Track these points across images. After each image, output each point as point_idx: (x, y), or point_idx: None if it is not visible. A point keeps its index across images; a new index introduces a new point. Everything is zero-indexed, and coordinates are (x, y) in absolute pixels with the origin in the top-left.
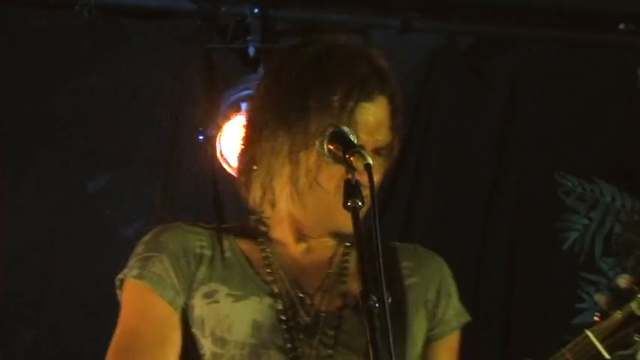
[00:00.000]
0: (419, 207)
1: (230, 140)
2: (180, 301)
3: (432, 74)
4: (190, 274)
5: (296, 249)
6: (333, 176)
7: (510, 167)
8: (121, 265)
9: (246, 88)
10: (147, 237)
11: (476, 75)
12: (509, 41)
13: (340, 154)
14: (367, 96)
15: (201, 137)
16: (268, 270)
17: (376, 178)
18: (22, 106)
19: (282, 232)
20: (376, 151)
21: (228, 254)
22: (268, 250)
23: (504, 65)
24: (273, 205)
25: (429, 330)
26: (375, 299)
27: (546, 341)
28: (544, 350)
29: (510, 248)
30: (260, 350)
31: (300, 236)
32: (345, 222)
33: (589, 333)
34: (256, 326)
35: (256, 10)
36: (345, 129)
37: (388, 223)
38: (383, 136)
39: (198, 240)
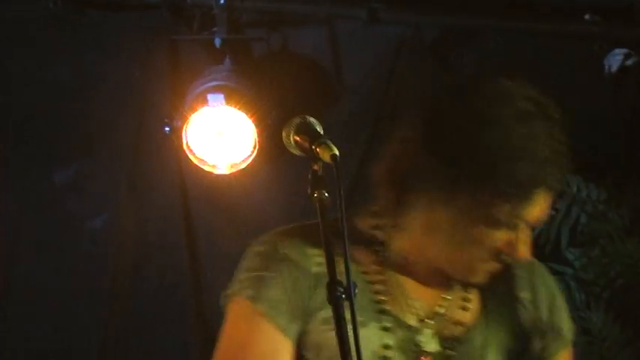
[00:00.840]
0: None
1: (196, 132)
2: (294, 327)
3: (398, 65)
4: (308, 297)
5: (413, 270)
6: (495, 242)
7: None
8: (85, 257)
9: (212, 80)
10: (263, 247)
11: (441, 65)
12: (474, 32)
13: (307, 145)
14: (550, 186)
15: (167, 129)
16: (387, 291)
17: (527, 249)
18: None
19: (404, 252)
20: (534, 227)
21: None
22: (389, 269)
23: (470, 56)
24: (404, 228)
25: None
26: (342, 290)
27: None
28: None
29: None
30: None
31: (423, 266)
32: (480, 278)
33: None
34: (375, 357)
35: (222, 2)
36: (312, 120)
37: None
38: (543, 217)
39: (316, 256)
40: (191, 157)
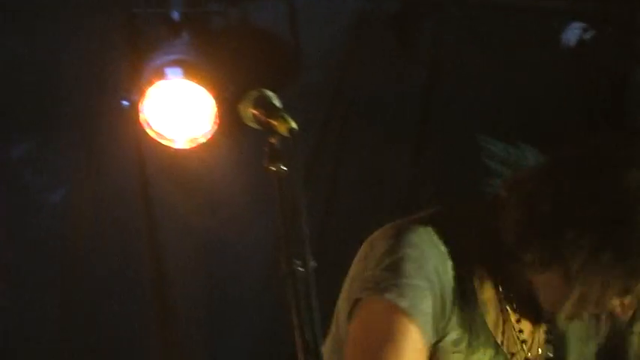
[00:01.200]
0: (344, 168)
1: (154, 106)
2: (433, 340)
3: (358, 39)
4: (448, 316)
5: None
6: (613, 305)
7: (434, 128)
8: (44, 230)
9: (170, 53)
10: (412, 251)
11: (401, 38)
12: (433, 5)
13: (264, 118)
14: None
15: (125, 103)
16: (505, 334)
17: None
18: None
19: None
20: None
21: (473, 308)
22: (507, 305)
23: (429, 29)
24: (530, 284)
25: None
26: (299, 263)
27: None
28: None
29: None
30: None
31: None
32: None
33: None
34: None
35: None
36: (270, 93)
37: (314, 186)
38: None
39: (453, 269)
40: (149, 131)
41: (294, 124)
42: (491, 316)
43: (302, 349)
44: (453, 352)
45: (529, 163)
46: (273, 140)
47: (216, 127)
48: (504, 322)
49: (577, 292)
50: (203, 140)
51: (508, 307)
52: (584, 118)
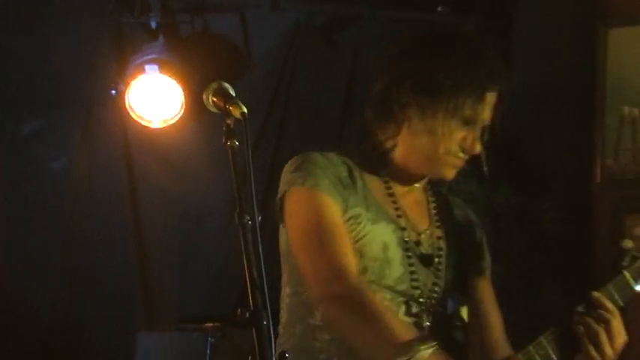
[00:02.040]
0: (283, 142)
1: (136, 94)
2: (342, 206)
3: (295, 44)
4: (345, 197)
5: (403, 189)
6: (449, 141)
7: (353, 121)
8: (48, 190)
9: (149, 54)
10: (300, 161)
11: (328, 45)
12: (354, 19)
13: (222, 104)
14: (493, 89)
15: (113, 92)
16: (394, 205)
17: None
18: None
19: (395, 170)
20: (484, 128)
21: (359, 184)
22: (392, 188)
23: (350, 38)
24: (392, 148)
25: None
26: (249, 217)
27: None
28: None
29: None
30: (385, 264)
31: (405, 176)
32: (444, 171)
33: (625, 272)
34: (385, 246)
35: None
36: (226, 85)
37: (259, 158)
38: (489, 117)
39: (342, 170)
40: (132, 114)
41: (245, 109)
42: (382, 197)
43: (251, 284)
44: (353, 224)
45: None
46: (229, 122)
47: (184, 111)
48: (394, 201)
49: (426, 137)
50: (174, 122)
51: (393, 188)
52: None
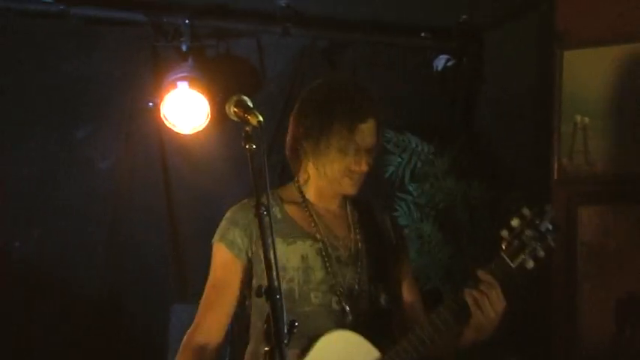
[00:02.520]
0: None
1: (169, 106)
2: (249, 252)
3: (301, 64)
4: (254, 235)
5: (320, 207)
6: (339, 166)
7: None
8: (97, 185)
9: (180, 72)
10: (228, 215)
11: (329, 65)
12: (350, 43)
13: (241, 114)
14: (363, 121)
15: (150, 104)
16: (312, 223)
17: (366, 166)
18: (33, 81)
19: (313, 196)
20: (368, 150)
21: (279, 217)
22: (310, 210)
23: (348, 59)
24: (307, 179)
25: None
26: (264, 209)
27: None
28: None
29: None
30: (308, 270)
31: (322, 198)
32: (345, 188)
33: (502, 254)
34: (303, 257)
35: (187, 21)
36: (245, 97)
37: (272, 159)
38: (372, 141)
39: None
40: (166, 122)
41: (261, 118)
42: (302, 218)
43: (267, 265)
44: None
45: (412, 145)
46: (247, 129)
47: (209, 120)
48: (312, 220)
49: (323, 168)
50: (201, 129)
51: (311, 210)
52: (447, 117)
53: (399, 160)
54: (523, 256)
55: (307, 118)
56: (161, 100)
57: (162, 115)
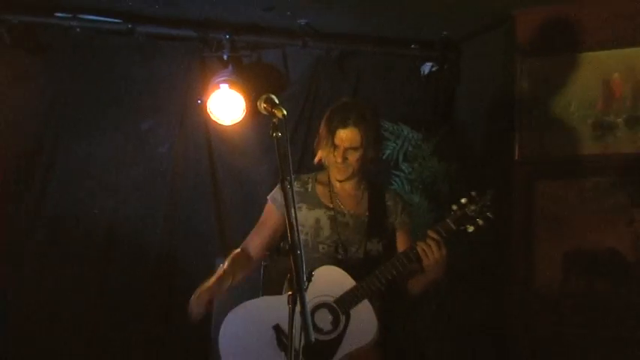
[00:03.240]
0: (309, 138)
1: (214, 103)
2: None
3: (317, 70)
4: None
5: (339, 187)
6: (327, 158)
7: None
8: (157, 165)
9: (222, 76)
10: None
11: (339, 70)
12: (357, 53)
13: (270, 108)
14: (344, 127)
15: (199, 101)
16: (329, 197)
17: (353, 158)
18: (106, 84)
19: (333, 179)
20: (347, 150)
21: (311, 191)
22: (330, 187)
23: (354, 65)
24: (324, 165)
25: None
26: (288, 183)
27: None
28: None
29: None
30: (320, 231)
31: (337, 180)
32: (334, 174)
33: (447, 219)
34: (317, 220)
35: (227, 36)
36: (273, 96)
37: (294, 145)
38: (351, 143)
39: (302, 186)
40: (211, 116)
41: (285, 112)
42: (323, 194)
43: (289, 226)
44: (301, 211)
45: (404, 133)
46: (274, 120)
47: (245, 113)
48: (330, 195)
49: (327, 159)
50: (238, 120)
51: (331, 187)
52: (431, 111)
53: (394, 145)
54: (465, 222)
55: (320, 124)
56: (207, 98)
57: (208, 110)
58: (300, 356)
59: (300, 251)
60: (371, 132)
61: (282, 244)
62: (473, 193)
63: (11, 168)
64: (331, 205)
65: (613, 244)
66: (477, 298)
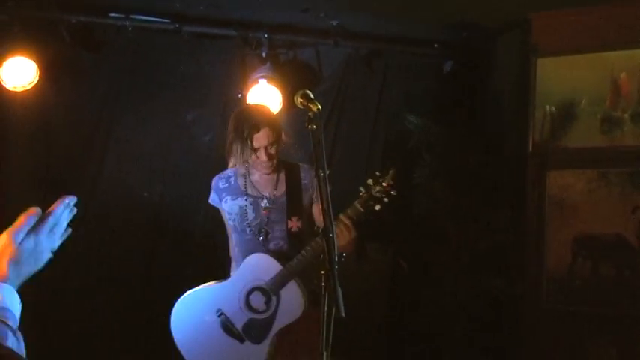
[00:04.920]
0: (339, 129)
1: (253, 96)
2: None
3: (348, 68)
4: (221, 194)
5: (256, 176)
6: (252, 160)
7: (381, 118)
8: (202, 153)
9: (261, 72)
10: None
11: (367, 69)
12: (384, 52)
13: (305, 102)
14: (256, 129)
15: (239, 95)
16: (246, 185)
17: (274, 151)
18: (156, 78)
19: (254, 170)
20: (266, 148)
21: (233, 183)
22: (248, 177)
23: (381, 63)
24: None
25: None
26: (322, 171)
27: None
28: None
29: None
30: (243, 215)
31: (257, 172)
32: (264, 169)
33: (356, 203)
34: (241, 207)
35: (266, 35)
36: (308, 91)
37: (326, 135)
38: (268, 141)
39: (226, 179)
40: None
41: (319, 106)
42: (243, 184)
43: (323, 211)
44: (226, 202)
45: (427, 126)
46: (309, 114)
47: (282, 107)
48: (247, 184)
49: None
50: (275, 112)
51: (249, 177)
52: (452, 105)
53: (418, 136)
54: (371, 203)
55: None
56: (247, 92)
57: (247, 100)
58: (242, 335)
59: (333, 234)
60: (277, 124)
61: (316, 226)
62: (377, 173)
63: (69, 155)
64: (251, 193)
65: (618, 230)
66: (492, 278)
